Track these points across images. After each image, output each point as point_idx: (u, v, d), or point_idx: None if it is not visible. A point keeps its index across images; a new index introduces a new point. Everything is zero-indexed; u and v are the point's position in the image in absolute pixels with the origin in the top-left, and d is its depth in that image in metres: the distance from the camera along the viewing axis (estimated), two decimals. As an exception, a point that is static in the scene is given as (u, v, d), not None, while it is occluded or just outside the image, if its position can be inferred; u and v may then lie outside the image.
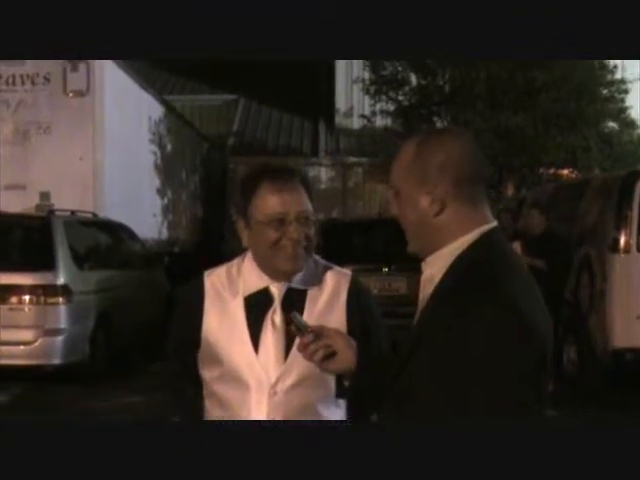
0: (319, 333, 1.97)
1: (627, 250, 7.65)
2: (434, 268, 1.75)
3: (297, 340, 2.03)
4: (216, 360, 2.20)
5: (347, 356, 1.98)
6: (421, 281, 1.80)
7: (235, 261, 2.30)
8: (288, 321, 2.08)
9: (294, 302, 2.20)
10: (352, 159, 21.11)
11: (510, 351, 1.58)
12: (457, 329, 1.59)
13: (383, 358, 2.06)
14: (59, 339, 8.16)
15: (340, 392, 2.12)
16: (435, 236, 1.75)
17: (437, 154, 1.74)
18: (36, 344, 8.08)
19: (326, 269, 2.30)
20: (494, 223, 1.76)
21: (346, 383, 2.04)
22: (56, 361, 8.21)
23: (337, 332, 2.03)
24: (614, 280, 7.68)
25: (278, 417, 2.15)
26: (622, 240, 7.65)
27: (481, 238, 1.72)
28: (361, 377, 1.99)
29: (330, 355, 1.97)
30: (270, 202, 2.15)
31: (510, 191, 16.38)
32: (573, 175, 15.81)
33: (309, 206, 2.19)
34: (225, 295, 2.24)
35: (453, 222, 1.73)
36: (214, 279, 2.27)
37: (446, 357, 1.60)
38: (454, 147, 1.75)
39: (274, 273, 2.20)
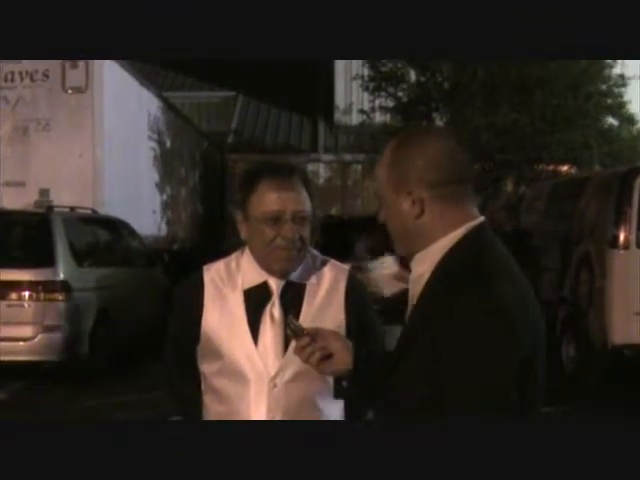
0: (315, 335, 1.98)
1: (626, 246, 7.65)
2: (423, 266, 1.76)
3: (292, 343, 2.03)
4: (216, 354, 2.21)
5: (343, 357, 1.98)
6: (410, 280, 1.81)
7: (234, 255, 2.31)
8: (285, 324, 2.08)
9: (293, 296, 2.22)
10: (351, 156, 21.10)
11: (496, 350, 1.58)
12: (444, 328, 1.60)
13: (379, 356, 2.06)
14: (58, 335, 8.15)
15: (338, 392, 2.12)
16: (419, 238, 1.76)
17: (414, 156, 1.74)
18: (35, 340, 8.07)
19: (324, 263, 2.31)
20: (480, 219, 1.76)
21: (344, 383, 2.05)
22: (55, 357, 8.20)
23: (333, 334, 2.03)
24: (613, 276, 7.68)
25: (277, 410, 2.17)
26: (621, 236, 7.65)
27: (467, 235, 1.72)
28: (358, 378, 1.99)
29: (326, 357, 1.97)
30: (267, 199, 2.16)
31: (509, 187, 16.38)
32: (572, 171, 15.80)
33: (307, 205, 2.20)
34: (224, 289, 2.25)
35: (435, 223, 1.74)
36: (213, 274, 2.28)
37: (433, 355, 1.60)
38: (431, 148, 1.75)
39: (269, 269, 2.21)
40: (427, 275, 1.73)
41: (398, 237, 1.81)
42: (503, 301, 1.60)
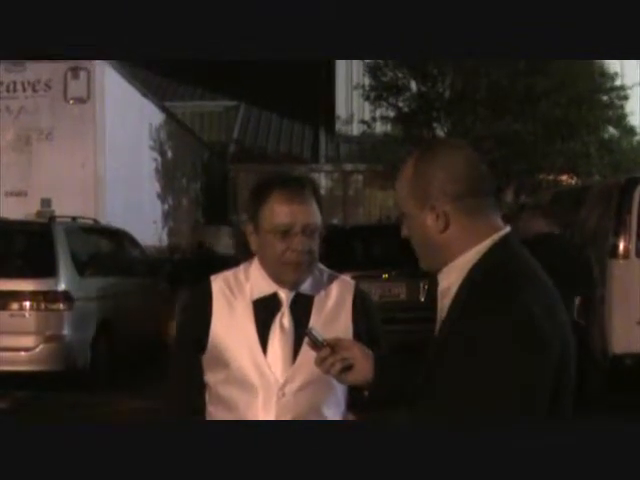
0: (335, 346, 1.98)
1: (626, 256, 7.65)
2: (450, 279, 1.76)
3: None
4: (222, 363, 2.22)
5: (364, 368, 1.98)
6: (438, 292, 1.81)
7: (242, 266, 2.32)
8: (304, 335, 2.09)
9: (301, 307, 2.24)
10: (352, 166, 21.13)
11: (524, 364, 1.58)
12: (472, 341, 1.60)
13: (397, 366, 2.06)
14: (60, 345, 8.16)
15: (359, 402, 2.13)
16: (445, 252, 1.76)
17: (435, 170, 1.74)
18: (37, 350, 8.08)
19: (331, 277, 2.34)
20: (505, 230, 1.76)
21: (365, 393, 2.06)
22: (57, 367, 8.21)
23: (354, 344, 2.04)
24: (613, 286, 7.68)
25: (285, 418, 2.18)
26: (621, 246, 7.65)
27: (494, 247, 1.72)
28: (379, 387, 2.00)
29: (347, 367, 1.98)
30: (278, 212, 2.17)
31: (509, 197, 16.39)
32: (573, 181, 15.82)
33: (317, 218, 2.21)
34: (233, 299, 2.26)
35: (460, 236, 1.74)
36: (221, 283, 2.29)
37: (462, 368, 1.61)
38: (452, 161, 1.75)
39: (279, 281, 2.24)
40: (455, 288, 1.73)
41: (423, 252, 1.81)
42: (530, 314, 1.60)
